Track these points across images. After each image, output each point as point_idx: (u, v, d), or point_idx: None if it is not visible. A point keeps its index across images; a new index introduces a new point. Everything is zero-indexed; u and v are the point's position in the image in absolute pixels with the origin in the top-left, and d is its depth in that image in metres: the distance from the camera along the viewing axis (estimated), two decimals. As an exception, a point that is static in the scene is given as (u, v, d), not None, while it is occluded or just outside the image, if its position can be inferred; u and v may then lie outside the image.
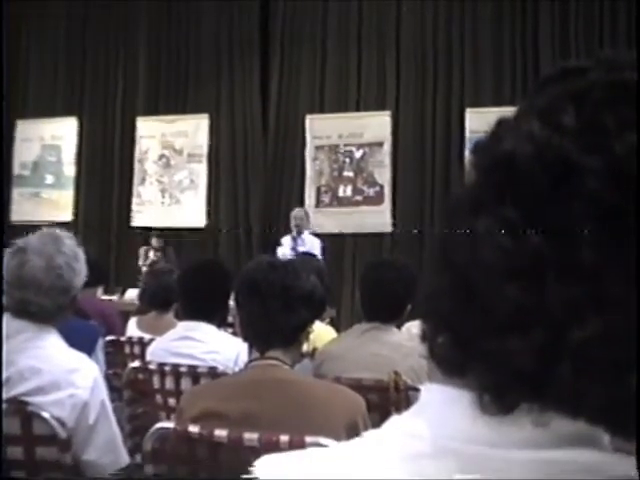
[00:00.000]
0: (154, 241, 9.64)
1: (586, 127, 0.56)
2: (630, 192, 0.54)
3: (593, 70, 0.59)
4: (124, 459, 2.53)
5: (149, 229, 10.59)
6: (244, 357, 3.27)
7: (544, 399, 0.56)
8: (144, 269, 8.43)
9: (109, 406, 2.51)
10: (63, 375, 2.41)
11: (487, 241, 0.57)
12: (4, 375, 2.38)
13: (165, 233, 10.25)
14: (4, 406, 2.38)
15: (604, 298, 0.53)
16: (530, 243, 0.55)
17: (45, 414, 2.38)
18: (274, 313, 2.23)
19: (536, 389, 0.56)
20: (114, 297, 8.27)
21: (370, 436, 0.66)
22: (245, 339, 2.38)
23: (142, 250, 9.12)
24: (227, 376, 2.41)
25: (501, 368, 0.56)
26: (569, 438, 0.56)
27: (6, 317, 2.49)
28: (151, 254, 8.70)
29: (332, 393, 2.21)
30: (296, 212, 8.70)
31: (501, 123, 0.63)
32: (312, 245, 8.19)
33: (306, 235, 8.48)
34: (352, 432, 1.91)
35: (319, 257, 6.97)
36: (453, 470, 0.58)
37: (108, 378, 3.65)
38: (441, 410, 0.62)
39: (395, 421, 0.65)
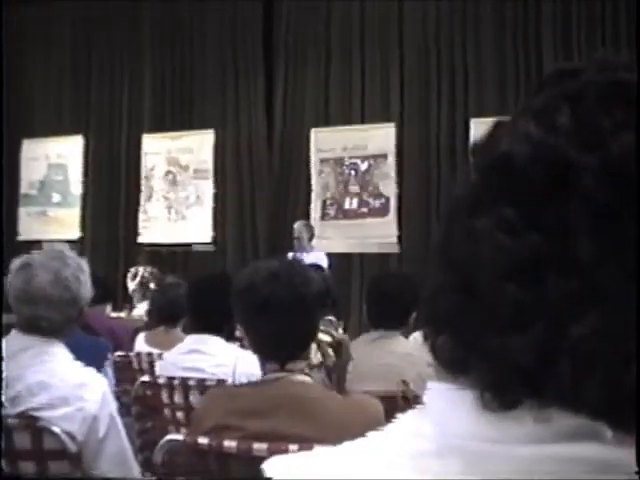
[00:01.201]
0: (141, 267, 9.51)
1: (581, 127, 0.57)
2: (625, 189, 0.55)
3: (588, 71, 0.61)
4: (135, 472, 2.53)
5: (155, 246, 10.60)
6: (244, 368, 3.23)
7: (545, 395, 0.56)
8: (133, 287, 8.38)
9: (118, 419, 2.51)
10: (72, 389, 2.42)
11: (486, 240, 0.58)
12: (13, 391, 2.39)
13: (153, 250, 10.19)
14: (14, 421, 2.39)
15: (602, 294, 0.54)
16: (528, 241, 0.56)
17: (55, 429, 2.38)
18: (291, 326, 2.16)
19: (537, 385, 0.56)
20: (122, 314, 8.26)
21: (376, 436, 0.66)
22: (261, 355, 2.28)
23: (131, 272, 9.06)
24: (247, 387, 2.32)
25: (502, 365, 0.57)
26: (571, 433, 0.56)
27: (14, 333, 2.50)
28: (140, 270, 8.64)
29: (356, 412, 2.10)
30: (296, 226, 8.72)
31: (498, 125, 0.65)
32: (317, 258, 8.16)
33: (310, 248, 8.48)
34: None
35: (325, 269, 6.98)
36: (457, 467, 0.58)
37: (117, 394, 3.65)
38: (444, 408, 0.62)
39: (399, 421, 0.66)
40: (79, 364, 2.53)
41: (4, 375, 2.37)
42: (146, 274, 8.27)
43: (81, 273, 2.54)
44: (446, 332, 0.62)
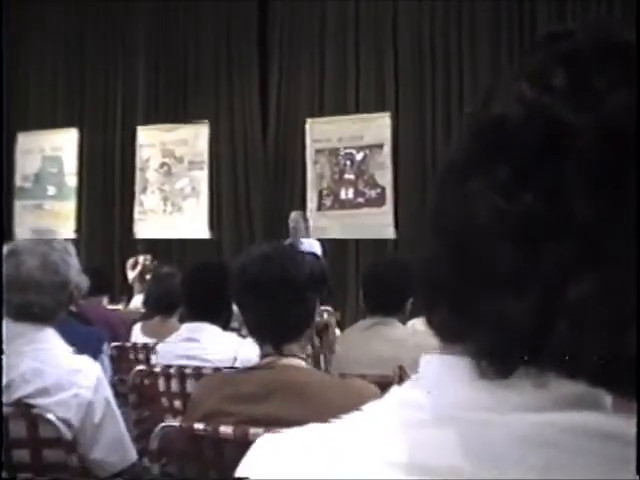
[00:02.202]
0: (141, 256, 9.46)
1: (576, 87, 0.56)
2: (621, 148, 0.54)
3: (580, 32, 0.60)
4: (132, 456, 2.51)
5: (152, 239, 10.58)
6: (245, 355, 3.23)
7: (543, 361, 0.55)
8: (133, 276, 8.34)
9: (114, 404, 2.49)
10: (66, 376, 2.40)
11: (480, 203, 0.57)
12: (6, 379, 2.38)
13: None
14: (9, 409, 2.38)
15: (599, 255, 0.53)
16: (523, 202, 0.55)
17: (50, 416, 2.36)
18: (282, 306, 2.15)
19: (534, 351, 0.55)
20: (119, 306, 8.23)
21: (370, 408, 0.66)
22: (255, 337, 2.27)
23: (130, 261, 9.02)
24: (243, 372, 2.31)
25: (498, 331, 0.56)
26: (570, 400, 0.55)
27: (5, 322, 2.48)
28: (140, 259, 8.62)
29: (352, 395, 2.05)
30: (292, 216, 8.69)
31: (491, 87, 0.63)
32: (311, 247, 8.14)
33: (304, 238, 8.46)
34: None
35: (320, 257, 6.96)
36: (454, 437, 0.57)
37: (114, 384, 3.64)
38: (440, 378, 0.61)
39: (395, 392, 0.66)
40: (72, 350, 2.52)
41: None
42: (147, 262, 8.25)
43: (68, 256, 2.52)
44: (442, 299, 0.61)
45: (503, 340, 0.56)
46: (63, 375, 2.41)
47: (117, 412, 2.50)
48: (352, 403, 2.11)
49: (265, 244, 2.34)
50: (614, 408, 0.55)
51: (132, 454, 2.52)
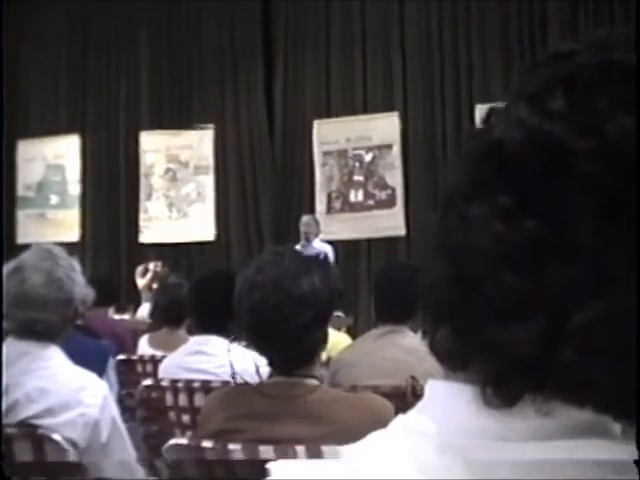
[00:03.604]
0: (151, 263, 9.39)
1: (576, 110, 0.56)
2: (625, 172, 0.53)
3: (582, 52, 0.59)
4: (140, 476, 2.48)
5: (157, 245, 10.57)
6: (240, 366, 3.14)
7: (548, 389, 0.55)
8: (143, 283, 8.30)
9: (121, 424, 2.46)
10: (71, 394, 2.38)
11: (481, 228, 0.57)
12: (11, 398, 2.34)
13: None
14: (13, 430, 2.34)
15: (604, 280, 0.53)
16: (525, 228, 0.55)
17: (56, 436, 2.33)
18: (293, 345, 2.08)
19: (540, 378, 0.55)
20: (126, 316, 8.18)
21: (376, 437, 0.65)
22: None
23: (140, 269, 8.97)
24: (253, 389, 2.24)
25: (503, 357, 0.56)
26: (576, 428, 0.55)
27: (10, 340, 2.45)
28: (151, 266, 8.56)
29: (366, 414, 2.03)
30: (304, 219, 8.64)
31: (492, 111, 0.63)
32: (323, 252, 8.08)
33: (316, 242, 8.41)
34: None
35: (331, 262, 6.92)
36: (458, 466, 0.57)
37: (121, 398, 3.60)
38: (445, 405, 0.61)
39: (400, 420, 0.65)
40: (77, 368, 2.48)
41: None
42: (158, 269, 8.21)
43: (73, 272, 2.50)
44: (445, 325, 0.61)
45: (507, 367, 0.56)
46: (69, 394, 2.39)
47: (124, 432, 2.47)
48: (364, 420, 2.07)
49: (269, 264, 2.18)
50: (625, 437, 0.54)
51: (140, 475, 2.48)
